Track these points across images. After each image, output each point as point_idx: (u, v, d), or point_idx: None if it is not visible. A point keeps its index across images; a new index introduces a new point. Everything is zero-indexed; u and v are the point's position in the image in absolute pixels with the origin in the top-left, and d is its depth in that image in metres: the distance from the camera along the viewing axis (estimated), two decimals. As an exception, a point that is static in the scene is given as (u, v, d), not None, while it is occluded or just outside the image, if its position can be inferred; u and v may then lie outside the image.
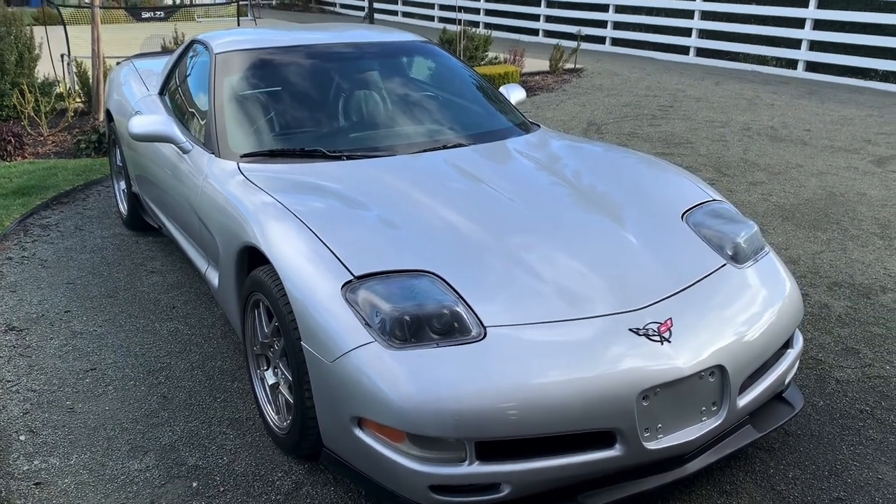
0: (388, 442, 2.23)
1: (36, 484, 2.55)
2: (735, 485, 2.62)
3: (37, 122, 7.22)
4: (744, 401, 2.52)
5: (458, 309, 2.33)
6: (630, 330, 2.39)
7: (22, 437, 2.80)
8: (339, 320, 2.31)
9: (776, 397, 2.80)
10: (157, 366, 3.30)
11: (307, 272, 2.48)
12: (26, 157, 6.57)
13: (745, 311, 2.63)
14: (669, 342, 2.38)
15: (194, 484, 2.57)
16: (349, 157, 3.28)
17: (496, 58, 10.68)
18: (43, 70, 8.15)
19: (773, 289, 2.78)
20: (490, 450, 2.21)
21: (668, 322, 2.44)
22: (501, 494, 2.22)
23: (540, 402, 2.18)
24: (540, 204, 2.98)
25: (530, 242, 2.72)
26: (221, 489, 2.55)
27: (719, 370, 2.42)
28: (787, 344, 2.79)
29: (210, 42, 4.01)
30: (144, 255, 4.51)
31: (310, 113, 3.68)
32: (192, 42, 4.32)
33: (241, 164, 3.22)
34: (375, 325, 2.28)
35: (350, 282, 2.40)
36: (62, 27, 9.05)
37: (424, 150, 3.41)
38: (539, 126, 3.99)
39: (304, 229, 2.63)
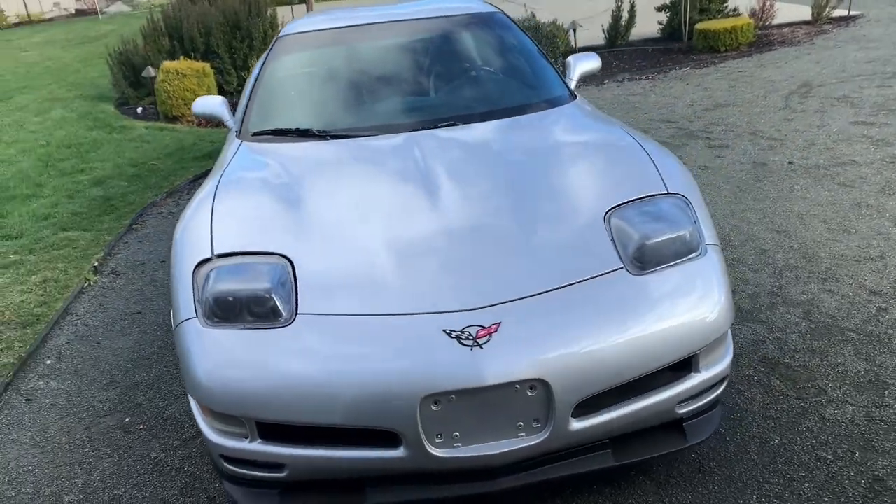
0: (200, 410, 2.45)
1: (27, 400, 3.21)
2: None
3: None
4: (584, 423, 2.27)
5: (274, 295, 2.43)
6: (444, 331, 2.28)
7: (48, 362, 3.50)
8: (183, 293, 2.55)
9: (672, 425, 2.46)
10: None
11: (183, 243, 2.74)
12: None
13: (610, 323, 2.33)
14: (481, 348, 2.23)
15: (126, 419, 3.04)
16: (333, 137, 3.44)
17: (735, 10, 9.65)
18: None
19: (670, 302, 2.41)
20: (273, 431, 2.31)
21: (493, 327, 2.28)
22: (281, 475, 2.33)
23: (318, 392, 2.22)
24: (455, 194, 2.86)
25: (411, 235, 2.66)
26: (141, 427, 2.98)
27: (542, 385, 2.21)
28: (690, 368, 2.42)
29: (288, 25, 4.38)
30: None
31: (332, 94, 3.86)
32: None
33: (246, 142, 3.55)
34: (202, 301, 2.48)
35: (209, 259, 2.61)
36: (304, 5, 10.16)
37: (415, 130, 3.43)
38: (572, 99, 3.73)
39: (208, 203, 2.88)
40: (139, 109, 8.64)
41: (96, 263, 4.48)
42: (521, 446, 2.23)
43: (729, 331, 2.59)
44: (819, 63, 7.74)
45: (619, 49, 9.47)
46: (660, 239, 2.54)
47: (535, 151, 3.11)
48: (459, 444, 2.22)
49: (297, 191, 2.94)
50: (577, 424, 2.27)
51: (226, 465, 2.40)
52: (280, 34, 4.24)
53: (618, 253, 2.53)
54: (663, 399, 2.37)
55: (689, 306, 2.41)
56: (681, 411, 2.42)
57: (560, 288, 2.41)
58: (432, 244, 2.62)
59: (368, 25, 4.21)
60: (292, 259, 2.57)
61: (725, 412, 2.78)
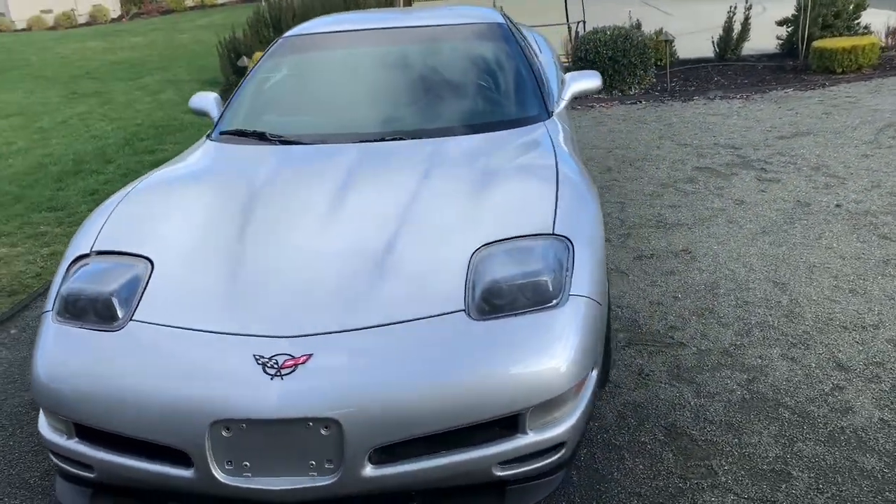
0: None
1: None
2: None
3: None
4: (383, 471, 2.16)
5: (115, 298, 2.47)
6: (254, 356, 2.24)
7: (13, 331, 3.76)
8: (55, 283, 2.65)
9: (493, 487, 2.27)
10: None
11: (78, 233, 2.83)
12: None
13: (425, 369, 2.19)
14: (281, 379, 2.17)
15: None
16: (283, 143, 3.44)
17: (866, 27, 8.71)
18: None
19: (502, 354, 2.22)
20: (88, 432, 2.35)
21: (303, 358, 2.21)
22: (91, 476, 2.37)
23: (119, 401, 2.24)
24: (348, 213, 2.77)
25: (279, 253, 2.62)
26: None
27: (336, 425, 2.12)
28: (516, 428, 2.22)
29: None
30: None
31: (302, 99, 3.88)
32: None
33: (210, 141, 3.63)
34: (59, 296, 2.56)
35: (87, 255, 2.70)
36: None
37: (365, 141, 3.36)
38: (544, 120, 3.50)
39: (120, 197, 2.97)
40: (238, 96, 9.07)
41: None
42: (310, 485, 2.16)
43: (589, 394, 2.37)
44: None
45: (726, 63, 8.84)
46: (509, 283, 2.36)
47: (454, 176, 2.97)
48: (249, 475, 2.17)
49: (206, 196, 2.99)
50: (373, 471, 2.16)
51: (53, 458, 2.48)
52: (285, 34, 4.30)
53: (465, 294, 2.37)
54: (479, 457, 2.20)
55: (520, 361, 2.23)
56: (501, 473, 2.24)
57: (387, 325, 2.31)
58: (292, 264, 2.58)
59: (365, 32, 4.20)
60: (155, 264, 2.61)
61: (593, 479, 2.53)
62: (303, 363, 2.20)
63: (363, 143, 3.32)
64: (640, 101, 7.65)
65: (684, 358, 3.15)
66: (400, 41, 4.08)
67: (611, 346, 2.88)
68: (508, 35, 4.06)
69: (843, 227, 4.29)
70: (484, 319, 2.31)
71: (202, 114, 4.11)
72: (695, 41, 9.21)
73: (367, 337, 2.28)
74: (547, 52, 5.19)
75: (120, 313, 2.44)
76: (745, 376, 3.00)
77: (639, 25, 8.97)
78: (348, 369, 2.21)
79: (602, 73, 7.82)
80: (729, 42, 8.91)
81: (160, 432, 2.20)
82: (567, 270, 2.44)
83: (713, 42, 8.99)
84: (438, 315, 2.32)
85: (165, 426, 2.19)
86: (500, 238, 2.56)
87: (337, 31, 4.22)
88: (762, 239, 4.21)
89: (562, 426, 2.28)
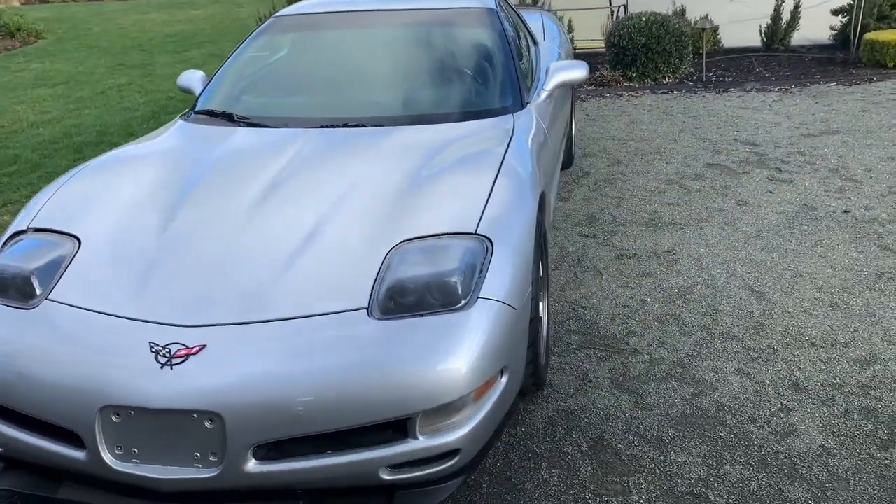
0: None
1: None
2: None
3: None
4: (267, 467, 2.14)
5: (34, 277, 2.49)
6: (150, 343, 2.23)
7: None
8: None
9: (382, 491, 2.23)
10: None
11: (23, 210, 2.88)
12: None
13: (314, 367, 2.15)
14: (171, 368, 2.16)
15: None
16: (248, 125, 3.43)
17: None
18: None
19: (395, 356, 2.16)
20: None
21: (196, 349, 2.20)
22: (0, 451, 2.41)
23: (20, 379, 2.27)
24: (278, 201, 2.74)
25: (199, 239, 2.60)
26: None
27: (219, 419, 2.10)
28: (403, 431, 2.16)
29: None
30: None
31: (275, 80, 3.86)
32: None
33: (182, 120, 3.64)
34: None
35: (24, 231, 2.74)
36: None
37: (326, 126, 3.31)
38: (515, 111, 3.39)
39: (71, 174, 3.01)
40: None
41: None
42: (193, 477, 2.15)
43: (493, 401, 2.29)
44: None
45: (772, 54, 8.45)
46: (416, 283, 2.30)
47: (396, 169, 2.90)
48: (137, 461, 2.18)
49: (149, 176, 3.00)
50: (257, 467, 2.14)
51: None
52: (276, 13, 4.28)
53: (372, 292, 2.31)
54: (365, 460, 2.16)
55: (412, 364, 2.16)
56: (388, 477, 2.19)
57: (284, 319, 2.27)
58: (207, 252, 2.57)
59: (352, 13, 4.13)
60: (82, 244, 2.63)
61: (502, 488, 2.46)
62: (195, 354, 2.18)
63: (321, 129, 3.28)
64: (672, 91, 7.37)
65: (634, 366, 3.02)
66: (384, 24, 4.01)
67: (541, 349, 2.77)
68: (495, 21, 3.94)
69: (844, 234, 4.04)
70: (385, 319, 2.25)
71: (188, 92, 4.13)
72: (746, 29, 8.79)
73: (262, 331, 2.25)
74: (553, 40, 5.04)
75: (38, 291, 2.47)
76: (692, 390, 2.86)
77: (682, 12, 8.65)
78: (238, 363, 2.18)
79: (634, 62, 7.71)
80: (777, 31, 8.50)
81: (55, 413, 2.22)
82: (481, 272, 2.36)
83: (760, 31, 8.60)
84: (338, 312, 2.28)
85: (60, 407, 2.21)
86: (421, 235, 2.49)
87: (326, 13, 4.17)
88: (754, 244, 4.00)
89: (456, 433, 2.21)
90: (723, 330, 3.24)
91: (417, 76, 3.70)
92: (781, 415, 2.69)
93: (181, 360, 2.17)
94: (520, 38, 4.37)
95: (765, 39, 8.59)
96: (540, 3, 8.84)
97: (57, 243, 2.65)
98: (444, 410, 2.19)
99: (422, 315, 2.25)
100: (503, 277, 2.39)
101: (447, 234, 2.48)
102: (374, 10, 4.11)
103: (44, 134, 6.76)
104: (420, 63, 3.77)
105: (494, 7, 4.06)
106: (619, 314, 3.40)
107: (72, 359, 2.25)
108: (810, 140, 5.61)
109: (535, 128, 3.37)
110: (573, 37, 8.98)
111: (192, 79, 4.08)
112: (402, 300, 2.29)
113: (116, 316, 2.35)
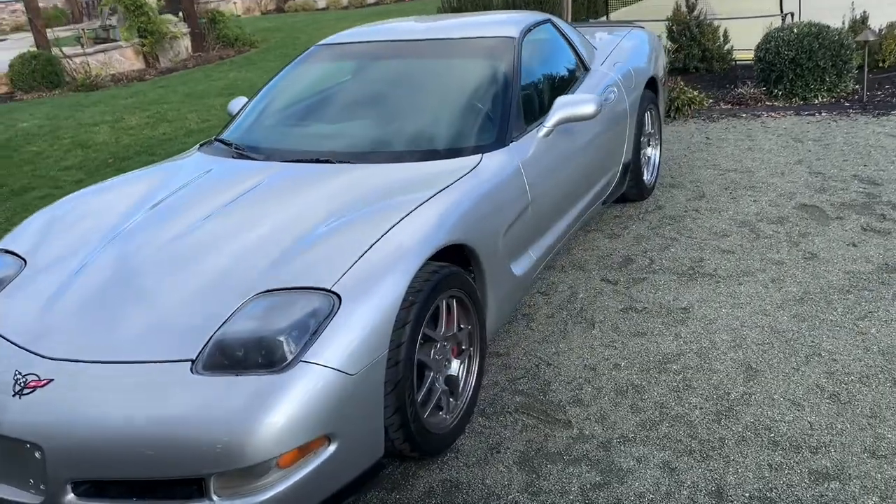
0: None
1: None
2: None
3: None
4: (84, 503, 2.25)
5: None
6: (16, 371, 2.43)
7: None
8: None
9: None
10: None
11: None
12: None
13: (130, 415, 2.22)
14: (20, 398, 2.35)
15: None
16: (240, 156, 3.56)
17: None
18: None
19: (200, 413, 2.17)
20: None
21: (45, 382, 2.37)
22: None
23: None
24: (201, 235, 2.84)
25: (106, 272, 2.75)
26: None
27: (41, 451, 2.26)
28: (200, 490, 2.16)
29: None
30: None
31: (287, 111, 3.94)
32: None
33: (199, 150, 3.86)
34: None
35: (-5, 250, 3.09)
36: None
37: (302, 161, 3.37)
38: (497, 148, 3.23)
39: (60, 201, 3.35)
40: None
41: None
42: (24, 501, 2.31)
43: (312, 468, 2.24)
44: None
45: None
46: (240, 339, 2.31)
47: (314, 213, 2.90)
48: (-13, 481, 2.38)
49: (119, 206, 3.22)
50: (76, 501, 2.26)
51: None
52: (319, 42, 4.40)
53: (206, 344, 2.34)
54: (166, 510, 2.19)
55: (210, 423, 2.18)
56: (183, 532, 2.20)
57: (117, 362, 2.39)
58: (103, 286, 2.70)
59: (380, 44, 4.17)
60: (27, 266, 2.91)
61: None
62: (42, 386, 2.35)
63: (292, 164, 3.34)
64: (820, 113, 6.49)
65: (555, 441, 2.74)
66: (406, 56, 3.98)
67: (411, 413, 2.53)
68: (508, 52, 3.74)
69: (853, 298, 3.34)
70: (205, 374, 2.27)
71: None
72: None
73: (102, 370, 2.37)
74: (621, 64, 4.63)
75: (-32, 308, 2.78)
76: (598, 479, 2.54)
77: (864, 19, 7.57)
78: (70, 400, 2.31)
79: (780, 79, 6.90)
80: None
81: None
82: (315, 333, 2.29)
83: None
84: (164, 361, 2.33)
85: None
86: (282, 287, 2.46)
87: (359, 42, 4.22)
88: (789, 308, 3.43)
89: (257, 497, 2.17)
90: (680, 412, 2.83)
91: (408, 111, 3.64)
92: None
93: (31, 390, 2.34)
94: (557, 66, 4.13)
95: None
96: (696, 12, 8.20)
97: (8, 263, 2.96)
98: (244, 474, 2.17)
99: (236, 374, 2.24)
100: (344, 339, 2.30)
101: (303, 287, 2.43)
102: (399, 42, 4.09)
103: (188, 143, 7.49)
104: (416, 97, 3.71)
105: (516, 36, 3.85)
106: (578, 378, 3.10)
107: None
108: (859, 167, 4.68)
109: (502, 170, 3.17)
110: (731, 47, 8.26)
111: (237, 105, 4.32)
112: (228, 355, 2.29)
113: (8, 340, 2.58)
